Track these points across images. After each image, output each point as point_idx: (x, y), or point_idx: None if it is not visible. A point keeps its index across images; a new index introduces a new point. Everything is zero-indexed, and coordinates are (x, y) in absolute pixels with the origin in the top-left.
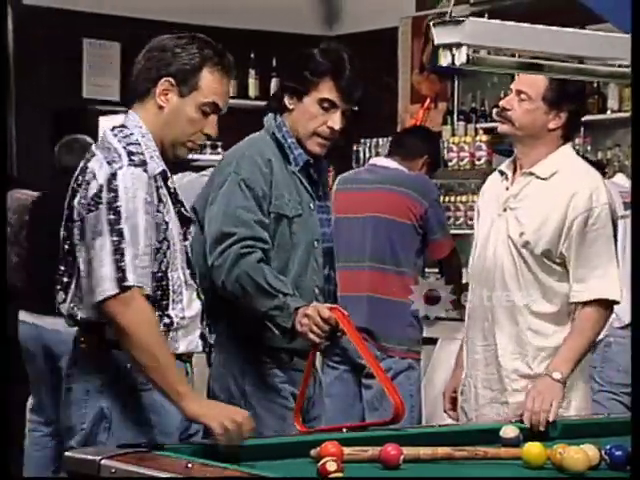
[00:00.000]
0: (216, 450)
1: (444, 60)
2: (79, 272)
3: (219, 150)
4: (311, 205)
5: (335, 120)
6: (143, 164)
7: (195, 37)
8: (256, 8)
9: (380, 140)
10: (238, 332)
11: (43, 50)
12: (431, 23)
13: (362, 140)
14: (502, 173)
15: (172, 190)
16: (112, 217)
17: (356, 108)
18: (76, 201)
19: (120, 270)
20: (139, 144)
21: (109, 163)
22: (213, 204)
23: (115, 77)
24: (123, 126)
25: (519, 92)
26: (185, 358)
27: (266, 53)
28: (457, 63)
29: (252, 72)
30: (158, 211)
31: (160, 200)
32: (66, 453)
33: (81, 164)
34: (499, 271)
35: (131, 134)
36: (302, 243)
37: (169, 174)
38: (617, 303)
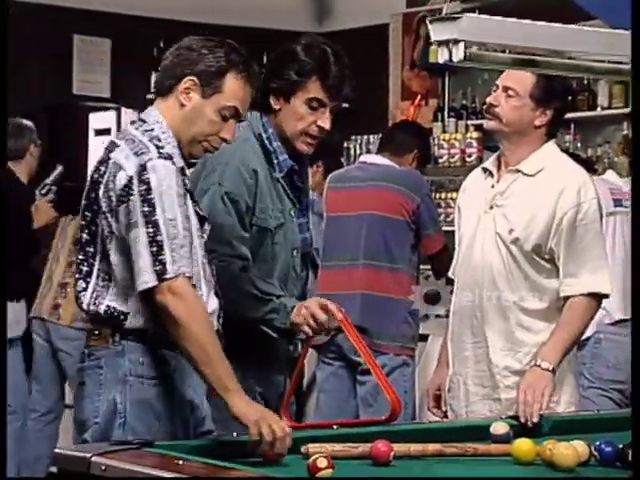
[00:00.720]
0: (211, 448)
1: (441, 57)
2: (107, 262)
3: None
4: (292, 212)
5: (325, 120)
6: (170, 157)
7: (224, 42)
8: (247, 5)
9: (371, 137)
10: None
11: (33, 46)
12: (427, 20)
13: (353, 137)
14: (486, 170)
15: (188, 187)
16: (146, 209)
17: (346, 105)
18: (101, 192)
19: (160, 263)
20: (160, 139)
21: (136, 154)
22: None
23: (105, 74)
24: (142, 120)
25: (506, 88)
26: None
27: (257, 49)
28: (455, 60)
29: None
30: (184, 204)
31: (184, 194)
32: (56, 450)
33: (101, 154)
34: (487, 268)
35: (152, 129)
36: (282, 253)
37: (186, 171)
38: (606, 297)
